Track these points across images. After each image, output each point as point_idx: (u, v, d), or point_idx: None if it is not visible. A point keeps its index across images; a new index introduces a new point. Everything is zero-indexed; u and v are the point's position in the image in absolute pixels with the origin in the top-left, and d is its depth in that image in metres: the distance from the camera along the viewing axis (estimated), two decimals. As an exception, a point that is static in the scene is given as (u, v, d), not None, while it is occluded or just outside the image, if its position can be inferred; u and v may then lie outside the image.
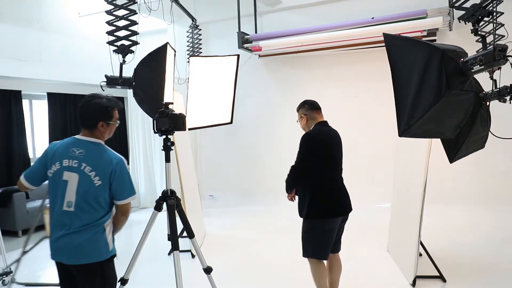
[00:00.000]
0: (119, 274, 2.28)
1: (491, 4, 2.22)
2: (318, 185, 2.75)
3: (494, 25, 2.20)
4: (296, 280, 3.57)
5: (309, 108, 2.92)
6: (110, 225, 2.06)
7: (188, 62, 5.06)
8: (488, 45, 2.30)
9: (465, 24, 2.40)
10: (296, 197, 2.90)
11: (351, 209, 2.87)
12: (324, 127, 2.88)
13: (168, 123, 2.16)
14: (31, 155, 6.53)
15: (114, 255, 2.09)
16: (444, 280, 3.33)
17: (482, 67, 2.05)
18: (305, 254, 2.82)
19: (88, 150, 1.99)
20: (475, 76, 2.26)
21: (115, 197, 2.03)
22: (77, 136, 2.08)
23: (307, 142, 2.77)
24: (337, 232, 2.86)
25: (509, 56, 2.03)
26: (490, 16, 2.26)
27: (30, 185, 2.09)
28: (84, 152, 2.00)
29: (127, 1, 3.63)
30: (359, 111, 6.07)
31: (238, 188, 6.93)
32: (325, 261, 2.85)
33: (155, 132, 2.21)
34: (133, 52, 3.55)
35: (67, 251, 1.96)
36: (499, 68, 2.16)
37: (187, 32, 6.41)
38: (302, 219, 2.83)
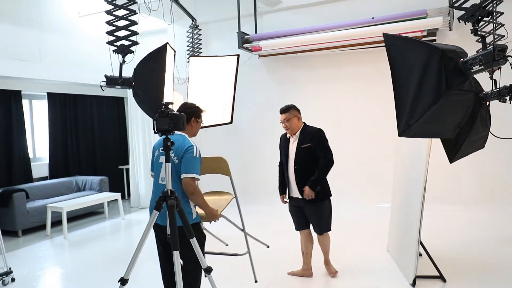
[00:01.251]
0: (119, 274, 2.30)
1: (491, 4, 2.22)
2: None
3: (494, 25, 2.20)
4: (296, 279, 3.57)
5: (298, 110, 3.47)
6: None
7: (188, 62, 5.06)
8: (488, 45, 2.29)
9: (465, 24, 2.41)
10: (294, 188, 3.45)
11: None
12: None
13: (168, 123, 2.16)
14: (31, 155, 6.53)
15: (199, 222, 2.73)
16: (444, 280, 3.33)
17: (482, 67, 2.05)
18: (327, 230, 3.48)
19: (174, 139, 2.42)
20: (475, 76, 2.26)
21: (181, 172, 2.54)
22: None
23: (325, 135, 3.40)
24: None
25: (508, 56, 2.03)
26: (490, 16, 2.26)
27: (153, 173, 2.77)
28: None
29: (127, 1, 3.64)
30: (359, 111, 6.06)
31: (238, 188, 6.89)
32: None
33: (155, 132, 2.21)
34: (133, 52, 3.55)
35: (162, 215, 2.44)
36: (499, 68, 2.16)
37: (187, 32, 6.41)
38: (310, 204, 3.38)
